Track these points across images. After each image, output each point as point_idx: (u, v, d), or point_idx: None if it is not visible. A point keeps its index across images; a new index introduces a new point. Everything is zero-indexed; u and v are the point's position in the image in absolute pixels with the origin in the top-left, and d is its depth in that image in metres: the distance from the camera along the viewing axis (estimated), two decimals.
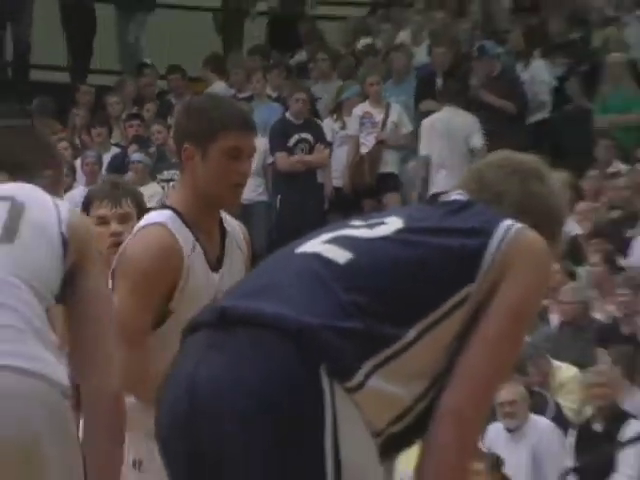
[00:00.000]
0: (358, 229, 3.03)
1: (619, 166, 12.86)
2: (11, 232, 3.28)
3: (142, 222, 4.25)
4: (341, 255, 2.92)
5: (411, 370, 2.86)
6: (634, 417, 9.58)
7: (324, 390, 2.70)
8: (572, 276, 11.08)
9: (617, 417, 9.71)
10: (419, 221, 3.11)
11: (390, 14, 16.71)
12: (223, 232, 4.23)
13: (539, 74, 14.45)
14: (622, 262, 11.51)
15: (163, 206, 4.42)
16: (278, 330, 2.75)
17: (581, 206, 12.07)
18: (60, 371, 3.17)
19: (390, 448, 2.94)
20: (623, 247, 11.72)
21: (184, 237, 4.10)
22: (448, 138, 12.51)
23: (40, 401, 3.06)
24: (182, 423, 2.77)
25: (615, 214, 12.24)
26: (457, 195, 3.20)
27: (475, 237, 2.97)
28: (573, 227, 11.58)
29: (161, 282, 4.04)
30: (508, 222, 3.02)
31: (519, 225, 3.01)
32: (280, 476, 2.72)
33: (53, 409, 3.07)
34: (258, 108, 12.89)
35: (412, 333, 2.82)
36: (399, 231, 2.98)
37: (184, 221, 4.14)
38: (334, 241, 2.96)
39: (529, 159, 3.41)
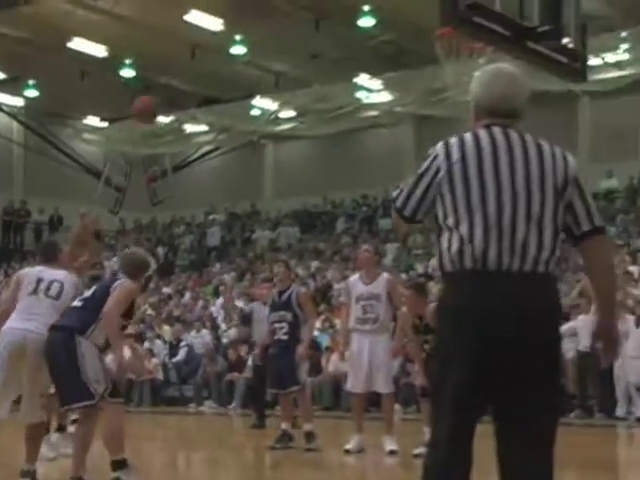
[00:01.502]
0: (86, 294, 6.39)
1: None
2: (59, 294, 6.46)
3: None
4: (79, 303, 6.32)
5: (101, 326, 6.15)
6: None
7: (77, 340, 6.04)
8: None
9: None
10: (103, 284, 6.50)
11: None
12: None
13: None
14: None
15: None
16: (64, 328, 6.13)
17: None
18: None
19: (103, 349, 6.23)
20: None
21: None
22: None
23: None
24: None
25: None
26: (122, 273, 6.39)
27: (112, 283, 6.27)
28: None
29: None
30: (123, 279, 6.29)
31: (124, 279, 6.29)
32: (74, 364, 5.98)
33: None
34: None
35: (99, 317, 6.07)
36: (94, 292, 6.33)
37: None
38: (80, 300, 6.34)
39: (131, 250, 7.11)
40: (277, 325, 9.78)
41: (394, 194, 3.46)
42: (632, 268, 16.57)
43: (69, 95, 26.01)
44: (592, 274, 3.42)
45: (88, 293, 6.41)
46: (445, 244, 3.27)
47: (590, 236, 3.34)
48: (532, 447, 3.20)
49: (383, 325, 9.30)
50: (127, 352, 15.38)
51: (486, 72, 3.47)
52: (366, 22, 23.10)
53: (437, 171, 3.32)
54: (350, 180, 26.97)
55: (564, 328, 14.08)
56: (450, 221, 3.25)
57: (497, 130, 3.34)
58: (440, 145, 3.37)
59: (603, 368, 11.27)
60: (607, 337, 3.41)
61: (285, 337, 9.70)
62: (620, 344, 3.55)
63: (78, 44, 24.76)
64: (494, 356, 3.14)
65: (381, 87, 23.55)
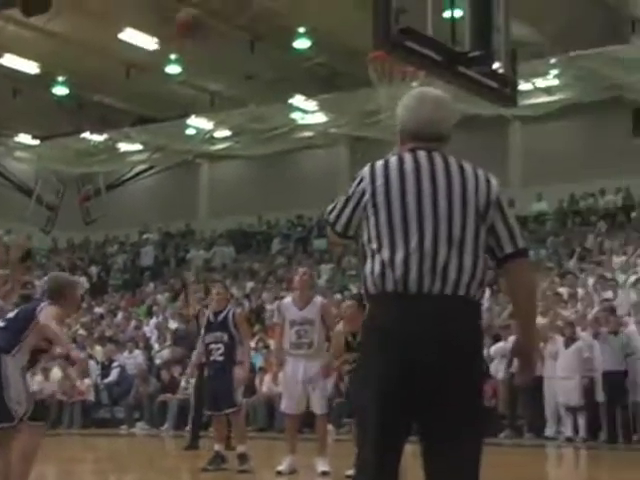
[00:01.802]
0: (9, 315, 6.17)
1: None
2: None
3: None
4: (1, 323, 6.07)
5: (28, 345, 5.96)
6: None
7: (2, 358, 5.81)
8: None
9: None
10: (28, 307, 6.15)
11: None
12: None
13: None
14: None
15: None
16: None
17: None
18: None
19: (32, 364, 6.29)
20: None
21: None
22: None
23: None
24: None
25: None
26: None
27: (37, 306, 5.99)
28: None
29: None
30: (45, 303, 5.98)
31: (47, 304, 5.99)
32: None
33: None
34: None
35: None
36: (17, 313, 6.06)
37: None
38: (3, 321, 6.11)
39: (54, 273, 7.23)
40: (213, 346, 9.71)
41: (328, 208, 3.51)
42: (562, 290, 16.84)
43: (0, 112, 25.67)
44: (514, 296, 3.48)
45: (11, 314, 6.27)
46: (369, 267, 3.30)
47: (512, 259, 3.39)
48: (457, 467, 3.23)
49: (318, 349, 9.33)
50: (57, 373, 15.32)
51: (412, 96, 3.50)
52: (301, 44, 23.45)
53: (363, 194, 3.36)
54: (285, 200, 27.16)
55: (495, 349, 14.31)
56: (374, 245, 3.30)
57: (422, 154, 3.38)
58: (367, 168, 3.41)
59: (517, 384, 11.46)
60: (525, 357, 3.49)
61: (221, 358, 9.63)
62: (536, 364, 3.63)
63: (9, 60, 24.58)
64: (416, 379, 3.18)
65: (316, 108, 24.25)
